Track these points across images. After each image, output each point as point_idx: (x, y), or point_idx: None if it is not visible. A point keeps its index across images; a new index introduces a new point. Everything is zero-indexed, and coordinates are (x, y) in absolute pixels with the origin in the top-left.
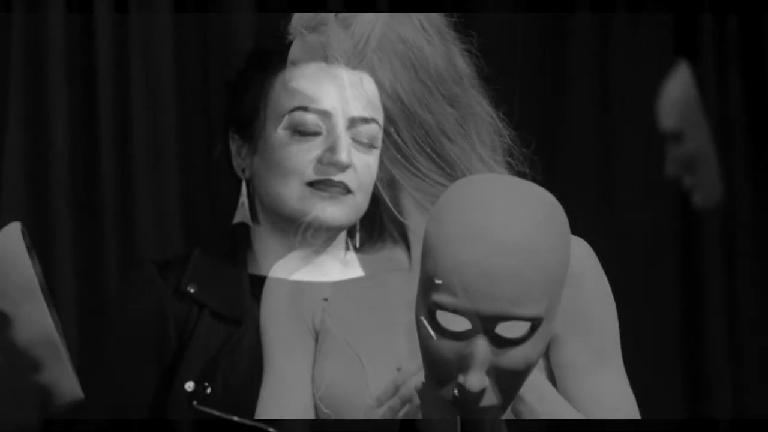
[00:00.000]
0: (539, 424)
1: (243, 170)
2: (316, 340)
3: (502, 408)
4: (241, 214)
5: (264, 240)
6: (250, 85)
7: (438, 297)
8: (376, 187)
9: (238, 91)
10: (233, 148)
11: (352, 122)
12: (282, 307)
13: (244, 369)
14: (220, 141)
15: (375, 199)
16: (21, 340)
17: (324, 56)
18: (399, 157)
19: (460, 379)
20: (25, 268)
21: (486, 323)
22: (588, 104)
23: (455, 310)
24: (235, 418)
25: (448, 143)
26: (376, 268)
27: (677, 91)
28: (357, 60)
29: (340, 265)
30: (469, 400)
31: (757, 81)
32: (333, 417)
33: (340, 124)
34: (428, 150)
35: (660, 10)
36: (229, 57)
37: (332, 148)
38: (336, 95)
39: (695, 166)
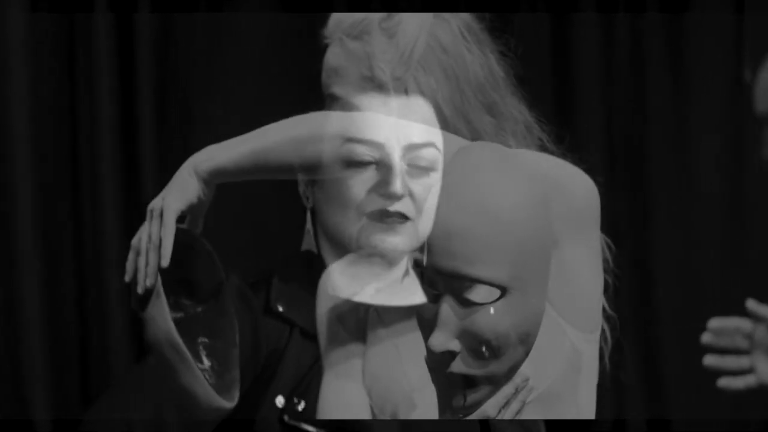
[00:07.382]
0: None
1: (307, 198)
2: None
3: (486, 383)
4: (307, 242)
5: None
6: None
7: (415, 255)
8: None
9: None
10: (299, 175)
11: (408, 149)
12: (336, 303)
13: None
14: None
15: None
16: (149, 340)
17: (368, 66)
18: None
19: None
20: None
21: (449, 283)
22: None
23: (422, 267)
24: None
25: None
26: None
27: None
28: (402, 70)
29: (399, 289)
30: (437, 362)
31: None
32: (375, 408)
33: (394, 154)
34: None
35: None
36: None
37: (385, 180)
38: (387, 124)
39: None
